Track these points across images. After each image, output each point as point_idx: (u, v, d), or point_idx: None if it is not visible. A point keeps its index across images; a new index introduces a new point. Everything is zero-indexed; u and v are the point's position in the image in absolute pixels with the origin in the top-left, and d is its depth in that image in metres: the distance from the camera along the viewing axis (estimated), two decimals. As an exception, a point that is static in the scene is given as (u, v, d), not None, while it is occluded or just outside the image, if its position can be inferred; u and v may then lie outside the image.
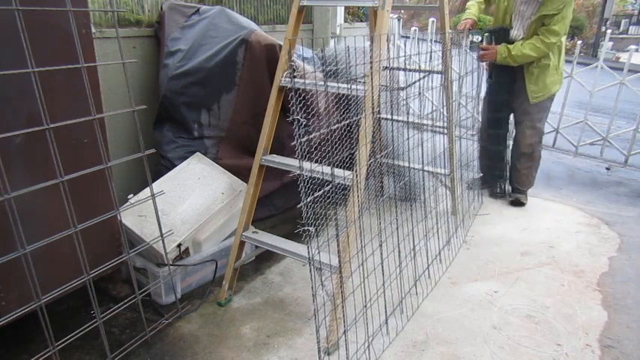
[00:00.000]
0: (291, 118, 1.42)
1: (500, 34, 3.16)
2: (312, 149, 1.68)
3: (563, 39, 3.13)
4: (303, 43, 3.64)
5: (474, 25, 3.31)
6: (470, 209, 3.25)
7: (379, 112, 2.84)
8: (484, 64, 3.32)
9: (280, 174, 2.74)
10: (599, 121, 5.00)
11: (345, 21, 4.34)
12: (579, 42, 5.05)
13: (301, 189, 1.51)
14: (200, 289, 2.39)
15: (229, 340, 2.03)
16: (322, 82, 2.12)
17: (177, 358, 1.91)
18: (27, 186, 1.40)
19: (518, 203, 3.44)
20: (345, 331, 1.74)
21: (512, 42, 3.10)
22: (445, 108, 3.00)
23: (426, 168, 2.75)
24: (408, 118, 2.45)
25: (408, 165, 2.71)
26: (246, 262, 2.46)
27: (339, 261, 1.79)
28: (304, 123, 1.45)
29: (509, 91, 3.27)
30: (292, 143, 1.46)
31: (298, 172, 1.54)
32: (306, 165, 1.58)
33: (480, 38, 3.33)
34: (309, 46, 3.81)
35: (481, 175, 3.59)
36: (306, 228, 1.50)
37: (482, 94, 3.49)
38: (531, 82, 3.16)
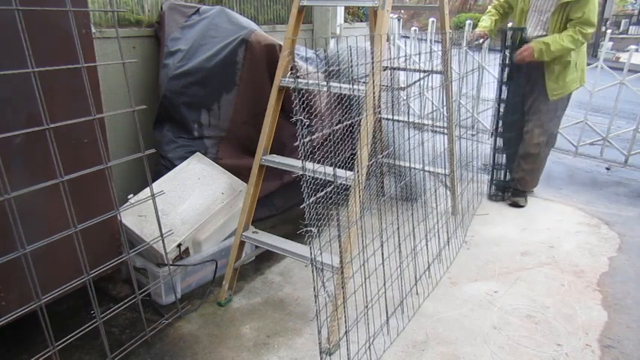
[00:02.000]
0: (294, 119, 1.42)
1: (517, 34, 3.14)
2: (314, 150, 1.67)
3: None
4: (303, 43, 3.63)
5: (485, 37, 3.30)
6: (470, 209, 3.25)
7: (379, 112, 2.84)
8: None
9: (280, 174, 2.74)
10: (599, 121, 5.00)
11: (345, 21, 4.33)
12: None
13: (304, 190, 1.51)
14: (200, 289, 2.39)
15: (229, 340, 2.03)
16: (323, 83, 2.11)
17: (177, 358, 1.91)
18: (27, 186, 1.40)
19: (516, 206, 3.43)
20: (346, 332, 1.74)
21: (528, 41, 3.07)
22: (445, 108, 3.00)
23: (426, 168, 2.75)
24: (408, 117, 2.45)
25: (409, 165, 2.71)
26: (246, 262, 2.46)
27: (341, 261, 1.78)
28: (307, 123, 1.44)
29: (524, 93, 3.27)
30: (295, 144, 1.46)
31: (299, 172, 1.54)
32: (309, 165, 1.57)
33: (481, 41, 3.33)
34: (310, 46, 3.81)
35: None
36: (308, 229, 1.49)
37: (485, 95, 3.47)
38: (551, 79, 3.12)
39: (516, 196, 3.45)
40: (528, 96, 3.27)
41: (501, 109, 3.38)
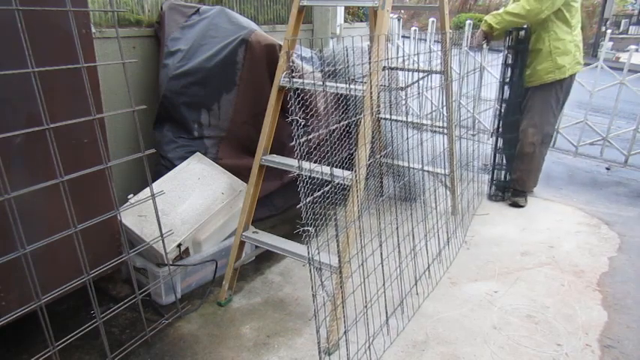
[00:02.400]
0: (290, 119, 1.42)
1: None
2: (312, 149, 1.68)
3: (560, 29, 3.08)
4: (303, 43, 3.64)
5: (488, 38, 3.31)
6: (470, 209, 3.25)
7: (379, 112, 2.84)
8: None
9: (280, 174, 2.74)
10: (599, 121, 4.99)
11: (345, 21, 4.34)
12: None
13: (300, 189, 1.51)
14: (200, 289, 2.39)
15: (229, 340, 2.03)
16: (321, 82, 2.11)
17: (177, 358, 1.91)
18: (27, 186, 1.40)
19: (516, 206, 3.43)
20: (345, 332, 1.74)
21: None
22: (445, 108, 3.00)
23: (425, 168, 2.75)
24: (407, 117, 2.45)
25: (407, 165, 2.71)
26: (246, 262, 2.46)
27: (339, 261, 1.78)
28: (304, 123, 1.44)
29: (523, 94, 3.29)
30: (291, 143, 1.46)
31: (298, 172, 1.54)
32: (306, 165, 1.58)
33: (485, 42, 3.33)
34: (309, 46, 3.81)
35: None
36: (305, 228, 1.50)
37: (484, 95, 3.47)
38: (527, 65, 3.22)
39: (516, 196, 3.45)
40: (524, 95, 3.28)
41: (502, 110, 3.38)
